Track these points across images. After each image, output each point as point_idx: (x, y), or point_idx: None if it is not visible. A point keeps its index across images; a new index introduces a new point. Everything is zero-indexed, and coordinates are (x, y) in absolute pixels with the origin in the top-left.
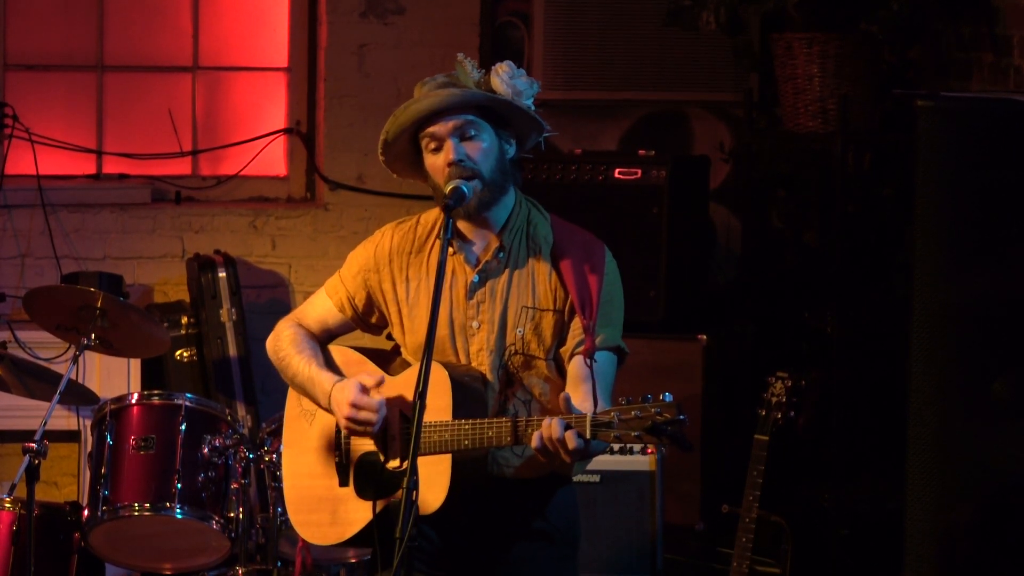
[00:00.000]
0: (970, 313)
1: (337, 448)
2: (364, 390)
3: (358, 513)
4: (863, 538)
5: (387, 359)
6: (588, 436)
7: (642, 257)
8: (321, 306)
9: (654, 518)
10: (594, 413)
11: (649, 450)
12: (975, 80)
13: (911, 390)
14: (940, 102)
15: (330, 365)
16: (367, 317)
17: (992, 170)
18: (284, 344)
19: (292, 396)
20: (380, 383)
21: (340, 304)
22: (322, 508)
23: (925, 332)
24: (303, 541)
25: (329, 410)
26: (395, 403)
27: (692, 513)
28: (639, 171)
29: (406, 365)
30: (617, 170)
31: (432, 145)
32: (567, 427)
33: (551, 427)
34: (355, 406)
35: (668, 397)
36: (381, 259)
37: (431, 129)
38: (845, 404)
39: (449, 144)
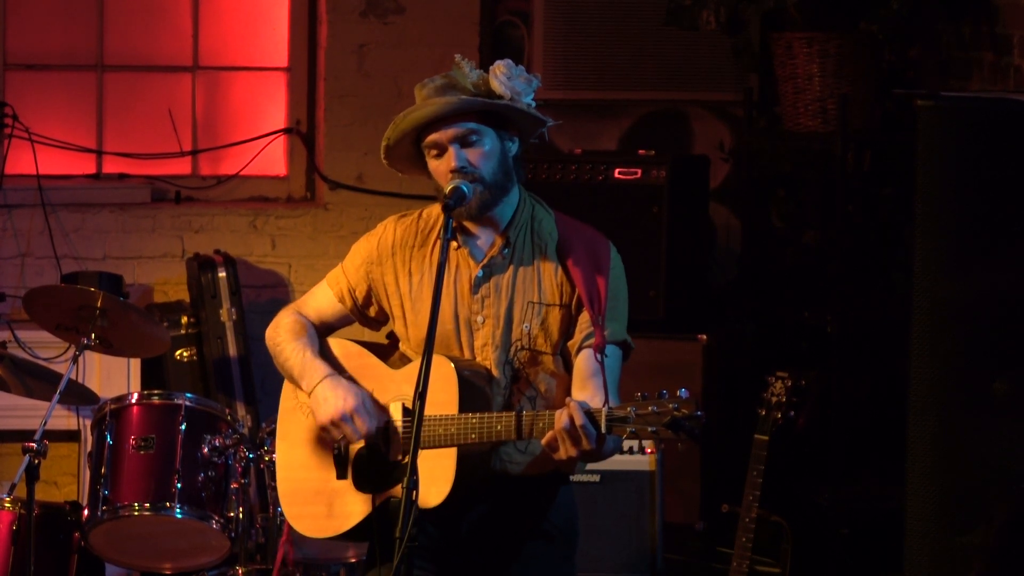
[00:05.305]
0: (970, 312)
1: (335, 441)
2: (367, 411)
3: (356, 506)
4: (863, 538)
5: (386, 352)
6: (604, 430)
7: (642, 257)
8: (322, 297)
9: (654, 518)
10: (610, 407)
11: (649, 450)
12: (975, 80)
13: (911, 390)
14: (940, 102)
15: (328, 357)
16: (365, 310)
17: (992, 169)
18: (282, 332)
19: (288, 389)
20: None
21: (340, 295)
22: (318, 501)
23: (925, 331)
24: (287, 535)
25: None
26: (398, 396)
27: (692, 513)
28: (639, 171)
29: (406, 360)
30: (617, 170)
31: (434, 152)
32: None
33: (567, 410)
34: (354, 415)
35: (684, 393)
36: (384, 252)
37: (432, 137)
38: (845, 404)
39: (451, 151)
